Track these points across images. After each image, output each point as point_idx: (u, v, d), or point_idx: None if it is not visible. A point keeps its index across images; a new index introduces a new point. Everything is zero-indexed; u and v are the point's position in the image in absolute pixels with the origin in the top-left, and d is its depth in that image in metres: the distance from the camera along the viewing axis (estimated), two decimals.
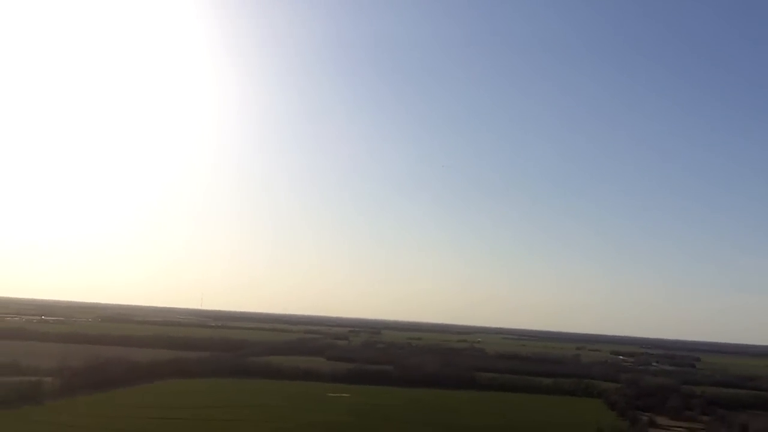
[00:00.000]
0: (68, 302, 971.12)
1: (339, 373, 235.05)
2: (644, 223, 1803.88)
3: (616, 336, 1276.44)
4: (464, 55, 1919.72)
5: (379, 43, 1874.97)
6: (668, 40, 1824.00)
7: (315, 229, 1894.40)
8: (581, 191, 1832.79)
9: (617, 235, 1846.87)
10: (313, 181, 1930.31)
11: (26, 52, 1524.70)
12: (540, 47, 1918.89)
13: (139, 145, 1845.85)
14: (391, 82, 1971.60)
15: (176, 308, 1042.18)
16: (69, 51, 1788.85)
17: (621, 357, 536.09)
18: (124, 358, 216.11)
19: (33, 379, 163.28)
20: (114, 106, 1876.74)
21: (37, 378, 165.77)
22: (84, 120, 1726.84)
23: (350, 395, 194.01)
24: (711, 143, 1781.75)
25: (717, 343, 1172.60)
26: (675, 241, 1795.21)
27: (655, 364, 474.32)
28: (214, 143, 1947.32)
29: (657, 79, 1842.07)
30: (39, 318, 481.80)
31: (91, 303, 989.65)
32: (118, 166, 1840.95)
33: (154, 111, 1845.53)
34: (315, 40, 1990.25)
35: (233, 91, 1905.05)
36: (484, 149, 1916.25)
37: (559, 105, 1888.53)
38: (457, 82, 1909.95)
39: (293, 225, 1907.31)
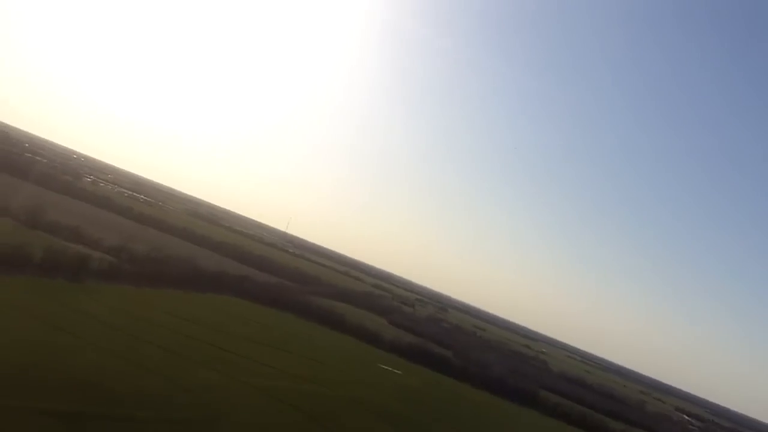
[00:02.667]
0: (170, 188, 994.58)
1: (398, 344, 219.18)
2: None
3: (682, 390, 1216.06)
4: None
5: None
6: None
7: (413, 189, 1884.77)
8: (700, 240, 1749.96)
9: (728, 292, 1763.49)
10: (424, 145, 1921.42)
11: None
12: None
13: (279, 70, 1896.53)
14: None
15: (263, 224, 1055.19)
16: None
17: (686, 417, 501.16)
18: (191, 259, 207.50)
19: (82, 251, 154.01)
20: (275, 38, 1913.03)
21: (88, 251, 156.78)
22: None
23: (402, 374, 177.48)
24: None
25: None
26: None
27: None
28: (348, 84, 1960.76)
29: None
30: (130, 193, 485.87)
31: (190, 196, 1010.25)
32: (257, 83, 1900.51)
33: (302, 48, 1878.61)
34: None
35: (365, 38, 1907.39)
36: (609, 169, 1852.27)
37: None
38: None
39: (394, 179, 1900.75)
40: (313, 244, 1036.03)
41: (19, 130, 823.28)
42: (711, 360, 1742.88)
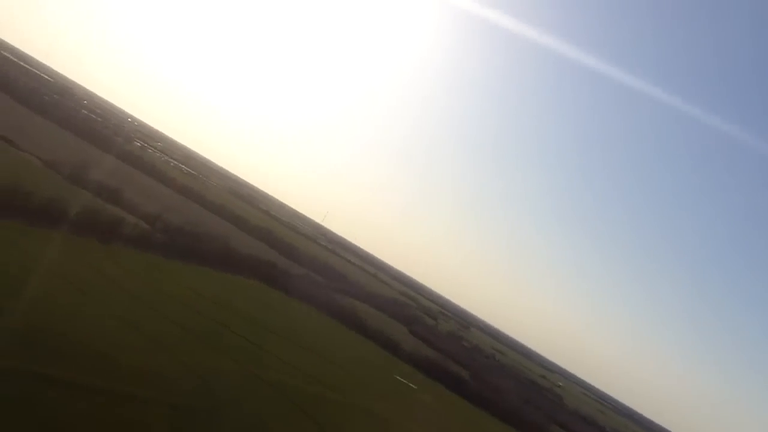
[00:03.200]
0: (214, 164, 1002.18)
1: (416, 356, 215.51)
2: None
3: None
4: None
5: None
6: None
7: (454, 203, 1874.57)
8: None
9: None
10: (470, 161, 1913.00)
11: None
12: None
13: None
14: None
15: (299, 212, 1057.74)
16: None
17: None
18: (224, 238, 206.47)
19: (118, 214, 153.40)
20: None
21: (123, 215, 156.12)
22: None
23: (417, 388, 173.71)
24: None
25: None
26: None
27: None
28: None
29: None
30: (176, 164, 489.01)
31: (233, 174, 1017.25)
32: (316, 73, 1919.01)
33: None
34: None
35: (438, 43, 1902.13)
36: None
37: None
38: None
39: (436, 190, 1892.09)
40: (346, 241, 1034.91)
41: (83, 87, 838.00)
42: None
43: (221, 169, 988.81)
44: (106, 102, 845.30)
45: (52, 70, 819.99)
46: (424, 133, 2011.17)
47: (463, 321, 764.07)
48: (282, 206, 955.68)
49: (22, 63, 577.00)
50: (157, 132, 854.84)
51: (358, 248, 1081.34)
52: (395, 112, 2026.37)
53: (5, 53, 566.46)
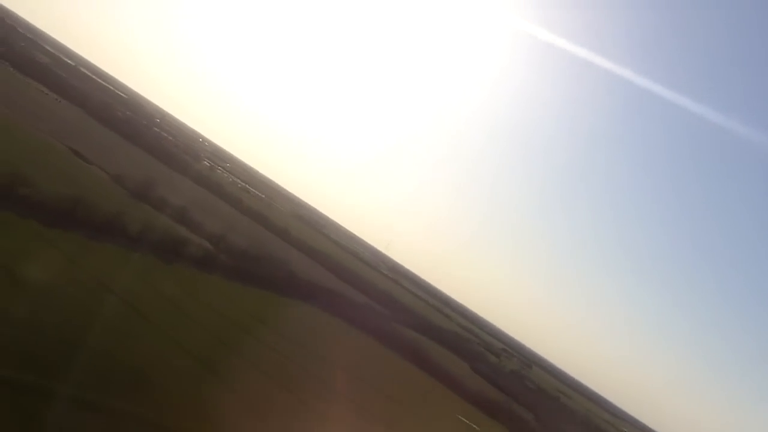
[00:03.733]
0: (279, 186, 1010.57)
1: (478, 395, 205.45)
2: None
3: None
4: None
5: None
6: None
7: (521, 240, 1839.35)
8: None
9: None
10: (540, 200, 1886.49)
11: None
12: None
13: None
14: None
15: (361, 239, 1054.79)
16: None
17: None
18: (286, 262, 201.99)
19: (181, 232, 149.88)
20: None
21: (187, 234, 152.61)
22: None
23: (480, 431, 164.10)
24: None
25: None
26: None
27: None
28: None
29: None
30: (243, 185, 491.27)
31: (296, 197, 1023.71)
32: (385, 97, 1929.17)
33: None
34: None
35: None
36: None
37: None
38: None
39: (504, 225, 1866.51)
40: (408, 270, 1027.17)
41: (156, 105, 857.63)
42: None
43: (287, 192, 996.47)
44: (179, 121, 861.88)
45: (128, 87, 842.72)
46: (491, 164, 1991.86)
47: (526, 359, 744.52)
48: (345, 232, 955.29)
49: (98, 78, 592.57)
50: (226, 153, 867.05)
51: (420, 278, 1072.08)
52: (461, 141, 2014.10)
53: (83, 69, 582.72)
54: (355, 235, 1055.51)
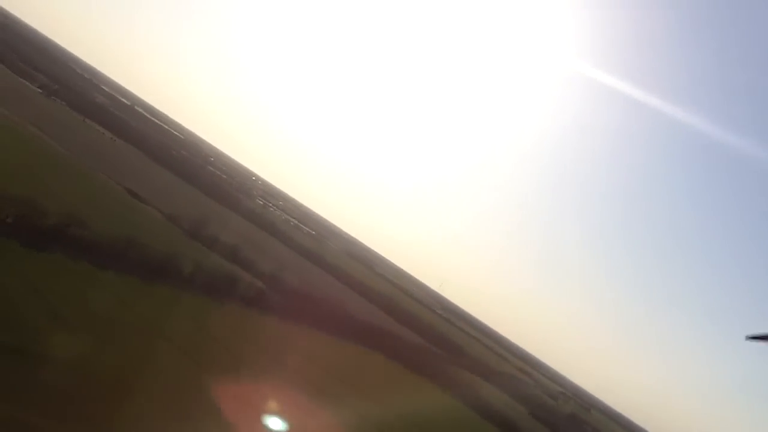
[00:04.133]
0: (332, 224, 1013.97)
1: None
2: None
3: None
4: None
5: None
6: None
7: (581, 283, 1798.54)
8: None
9: None
10: (604, 245, 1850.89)
11: None
12: None
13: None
14: None
15: (414, 278, 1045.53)
16: None
17: None
18: (339, 302, 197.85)
19: (234, 271, 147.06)
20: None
21: (239, 273, 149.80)
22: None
23: None
24: None
25: None
26: None
27: None
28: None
29: None
30: (296, 223, 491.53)
31: (350, 235, 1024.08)
32: (440, 131, 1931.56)
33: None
34: None
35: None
36: None
37: None
38: None
39: (563, 267, 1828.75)
40: (462, 310, 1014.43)
41: (210, 143, 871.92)
42: None
43: (339, 229, 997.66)
44: (232, 159, 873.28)
45: (183, 126, 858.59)
46: (547, 202, 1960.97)
47: (585, 402, 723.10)
48: (398, 270, 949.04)
49: (154, 118, 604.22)
50: (278, 190, 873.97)
51: (475, 318, 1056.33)
52: (518, 178, 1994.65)
53: (139, 109, 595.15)
54: (407, 273, 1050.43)
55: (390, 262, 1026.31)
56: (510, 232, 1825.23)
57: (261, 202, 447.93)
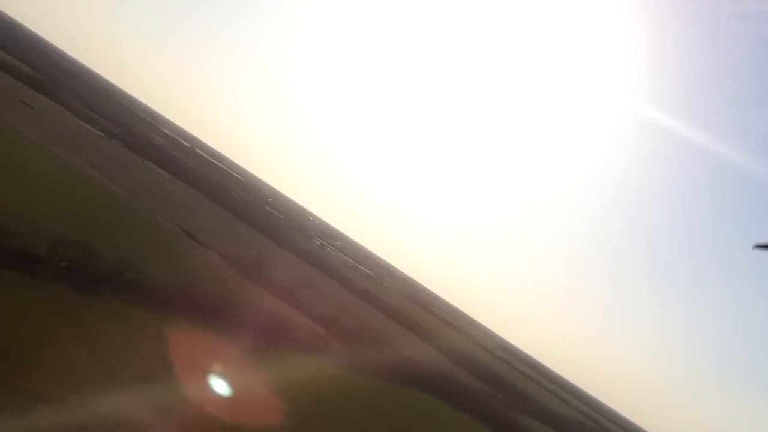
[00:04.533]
0: (390, 265, 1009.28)
1: None
2: None
3: None
4: None
5: None
6: None
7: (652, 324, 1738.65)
8: None
9: None
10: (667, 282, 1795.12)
11: None
12: None
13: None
14: None
15: (475, 320, 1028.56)
16: None
17: None
18: (399, 346, 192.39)
19: (290, 315, 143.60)
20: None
21: (296, 316, 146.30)
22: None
23: None
24: None
25: None
26: None
27: None
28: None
29: None
30: (353, 264, 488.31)
31: (408, 276, 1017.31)
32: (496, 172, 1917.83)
33: None
34: None
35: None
36: None
37: None
38: None
39: (627, 303, 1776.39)
40: (523, 352, 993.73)
41: (269, 184, 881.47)
42: None
43: (396, 269, 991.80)
44: (290, 200, 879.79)
45: (242, 167, 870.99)
46: (612, 244, 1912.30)
47: None
48: (456, 312, 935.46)
49: (214, 160, 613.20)
50: (336, 231, 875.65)
51: (537, 361, 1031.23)
52: (581, 218, 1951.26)
53: (198, 151, 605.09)
54: (466, 313, 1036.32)
55: (448, 302, 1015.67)
56: (574, 272, 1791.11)
57: (318, 243, 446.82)
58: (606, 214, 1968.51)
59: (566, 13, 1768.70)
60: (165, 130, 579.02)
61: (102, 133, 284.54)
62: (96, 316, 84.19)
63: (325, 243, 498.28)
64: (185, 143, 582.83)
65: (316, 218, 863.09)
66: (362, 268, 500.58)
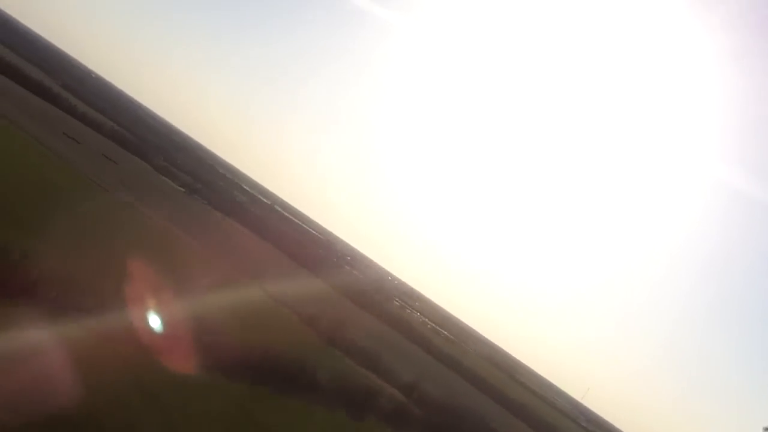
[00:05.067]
0: (470, 328, 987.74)
1: None
2: None
3: None
4: None
5: None
6: None
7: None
8: None
9: None
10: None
11: None
12: None
13: None
14: None
15: (554, 385, 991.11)
16: None
17: None
18: (483, 415, 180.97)
19: (371, 382, 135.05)
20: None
21: (377, 383, 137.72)
22: None
23: None
24: None
25: None
26: None
27: None
28: None
29: None
30: (433, 326, 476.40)
31: (489, 341, 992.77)
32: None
33: None
34: None
35: None
36: None
37: None
38: None
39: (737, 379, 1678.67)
40: (607, 422, 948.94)
41: (347, 242, 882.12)
42: None
43: (478, 333, 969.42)
44: (369, 259, 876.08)
45: (321, 225, 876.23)
46: (700, 312, 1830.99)
47: None
48: (539, 377, 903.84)
49: (293, 218, 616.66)
50: (415, 291, 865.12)
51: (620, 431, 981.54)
52: (672, 285, 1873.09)
53: (278, 208, 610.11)
54: (548, 380, 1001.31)
55: (530, 368, 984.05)
56: (660, 343, 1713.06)
57: (398, 303, 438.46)
58: (701, 289, 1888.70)
59: (656, 71, 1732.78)
60: (245, 187, 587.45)
61: (182, 189, 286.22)
62: (162, 380, 78.22)
63: (404, 303, 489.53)
64: (265, 200, 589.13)
65: (394, 277, 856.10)
66: (443, 330, 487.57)
